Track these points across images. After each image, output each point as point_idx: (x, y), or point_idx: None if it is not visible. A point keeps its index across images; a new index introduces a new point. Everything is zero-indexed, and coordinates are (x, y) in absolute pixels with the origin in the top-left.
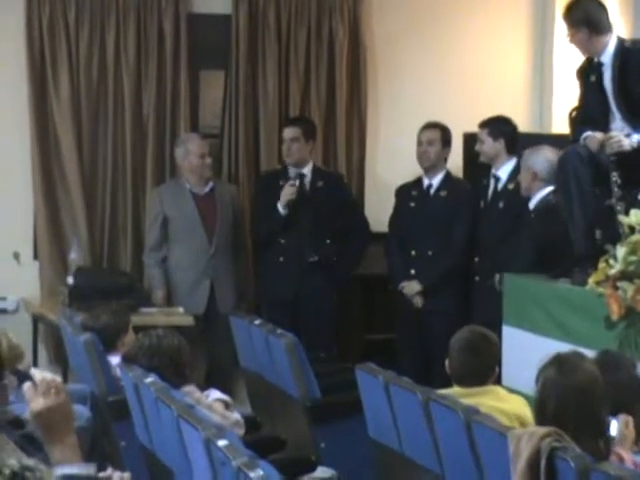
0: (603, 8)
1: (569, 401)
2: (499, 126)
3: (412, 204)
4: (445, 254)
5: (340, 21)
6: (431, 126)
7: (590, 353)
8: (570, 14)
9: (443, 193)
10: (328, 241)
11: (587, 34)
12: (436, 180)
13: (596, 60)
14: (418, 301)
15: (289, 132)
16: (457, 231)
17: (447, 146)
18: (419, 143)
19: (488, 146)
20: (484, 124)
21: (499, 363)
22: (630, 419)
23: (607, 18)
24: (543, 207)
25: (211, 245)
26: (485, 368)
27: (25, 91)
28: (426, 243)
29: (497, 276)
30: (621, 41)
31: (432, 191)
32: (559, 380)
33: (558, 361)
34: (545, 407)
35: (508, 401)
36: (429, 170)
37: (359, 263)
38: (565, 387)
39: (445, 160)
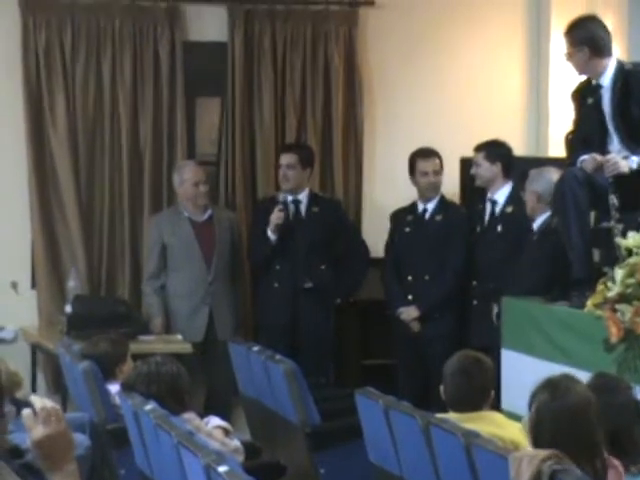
0: (607, 31)
1: (564, 424)
2: (496, 150)
3: (407, 229)
4: (441, 279)
5: (335, 47)
6: (431, 154)
7: (589, 376)
8: (573, 32)
9: (439, 217)
10: (323, 267)
11: (588, 54)
12: (431, 205)
13: (594, 82)
14: (415, 326)
15: (285, 158)
16: (453, 255)
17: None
18: (424, 174)
19: (484, 170)
20: (480, 148)
21: (495, 387)
22: None
23: (610, 42)
24: (545, 229)
25: (209, 272)
26: (479, 393)
27: (22, 120)
28: (423, 268)
29: (495, 309)
30: (621, 64)
31: (427, 216)
32: (553, 404)
33: (550, 385)
34: (541, 432)
35: (504, 427)
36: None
37: (358, 288)
38: (559, 411)
39: None
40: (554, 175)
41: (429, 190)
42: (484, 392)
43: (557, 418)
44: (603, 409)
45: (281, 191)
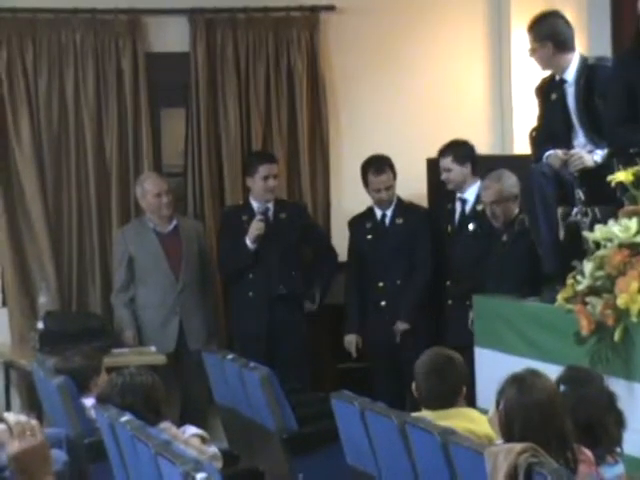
0: (569, 26)
1: (534, 418)
2: (462, 150)
3: (369, 236)
4: (414, 279)
5: (298, 54)
6: (382, 169)
7: (561, 370)
8: (536, 27)
9: (399, 221)
10: (294, 273)
11: (551, 50)
12: (390, 209)
13: (558, 77)
14: (354, 351)
15: (272, 169)
16: (420, 254)
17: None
18: (377, 190)
19: (456, 173)
20: (445, 152)
21: (468, 383)
22: None
23: (572, 37)
24: (517, 229)
25: (178, 282)
26: (452, 390)
27: None
28: (392, 273)
29: (471, 315)
30: (584, 58)
31: (388, 221)
32: (521, 399)
33: (516, 381)
34: (511, 427)
35: (478, 423)
36: None
37: (328, 290)
38: (528, 405)
39: None
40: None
41: (381, 203)
42: (456, 389)
43: (526, 412)
44: (576, 401)
45: (259, 201)
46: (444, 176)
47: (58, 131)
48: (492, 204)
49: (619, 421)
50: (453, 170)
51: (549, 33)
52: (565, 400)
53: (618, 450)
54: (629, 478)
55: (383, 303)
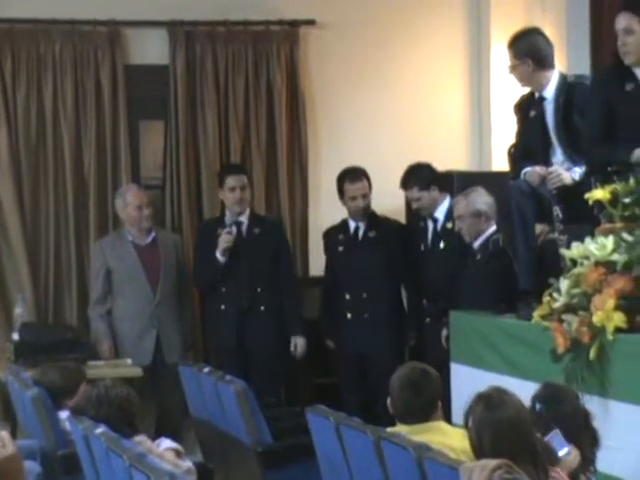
0: (550, 44)
1: (503, 435)
2: (423, 176)
3: (341, 248)
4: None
5: (277, 67)
6: (358, 177)
7: (537, 387)
8: (516, 44)
9: (372, 234)
10: (259, 289)
11: (531, 67)
12: (363, 222)
13: (537, 95)
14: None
15: (239, 180)
16: (396, 269)
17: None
18: (353, 198)
19: (425, 200)
20: (408, 183)
21: (443, 398)
22: (577, 453)
23: (552, 54)
24: (492, 249)
25: (155, 295)
26: (428, 404)
27: None
28: (359, 286)
29: (444, 332)
30: (564, 76)
31: (361, 233)
32: (489, 417)
33: (483, 398)
34: (482, 445)
35: (453, 436)
36: None
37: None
38: (497, 422)
39: None
40: (484, 192)
41: (359, 213)
42: (433, 403)
43: (495, 429)
44: (551, 419)
45: (230, 213)
46: (415, 205)
47: (36, 143)
48: (458, 218)
49: (594, 440)
50: (422, 198)
51: (529, 50)
52: (541, 418)
53: (592, 469)
54: None
55: (349, 315)
